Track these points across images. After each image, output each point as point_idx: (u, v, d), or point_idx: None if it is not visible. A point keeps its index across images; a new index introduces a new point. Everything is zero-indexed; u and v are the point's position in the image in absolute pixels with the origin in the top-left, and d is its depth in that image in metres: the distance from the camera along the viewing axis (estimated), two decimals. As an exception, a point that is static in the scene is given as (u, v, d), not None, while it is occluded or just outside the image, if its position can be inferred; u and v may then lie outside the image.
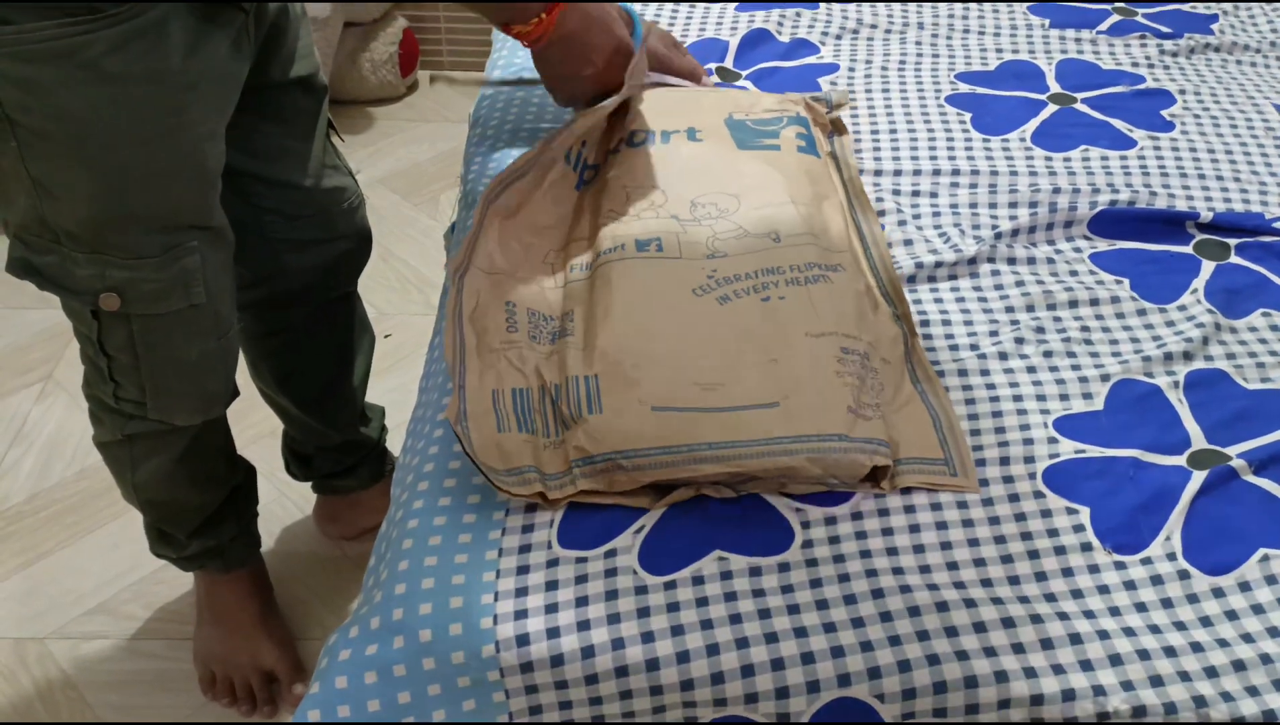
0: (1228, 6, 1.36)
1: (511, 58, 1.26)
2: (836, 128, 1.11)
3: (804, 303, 0.86)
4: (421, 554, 0.77)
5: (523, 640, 0.72)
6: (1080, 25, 1.32)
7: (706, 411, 0.79)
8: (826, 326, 0.84)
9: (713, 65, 1.24)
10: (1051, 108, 1.17)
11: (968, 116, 1.16)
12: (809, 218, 0.94)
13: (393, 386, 1.69)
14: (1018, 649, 0.71)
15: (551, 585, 0.74)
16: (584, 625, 0.72)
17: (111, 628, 1.43)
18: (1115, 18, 1.33)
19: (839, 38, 1.29)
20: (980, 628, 0.72)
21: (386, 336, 1.80)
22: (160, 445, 1.17)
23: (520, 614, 0.73)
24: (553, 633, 0.72)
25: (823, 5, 1.34)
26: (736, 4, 1.35)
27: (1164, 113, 1.17)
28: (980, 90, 1.20)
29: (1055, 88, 1.21)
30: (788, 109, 1.09)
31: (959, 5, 1.35)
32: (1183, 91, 1.20)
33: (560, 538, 0.77)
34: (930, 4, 1.35)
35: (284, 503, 1.57)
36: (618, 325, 0.84)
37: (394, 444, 1.54)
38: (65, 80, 0.87)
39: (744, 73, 1.23)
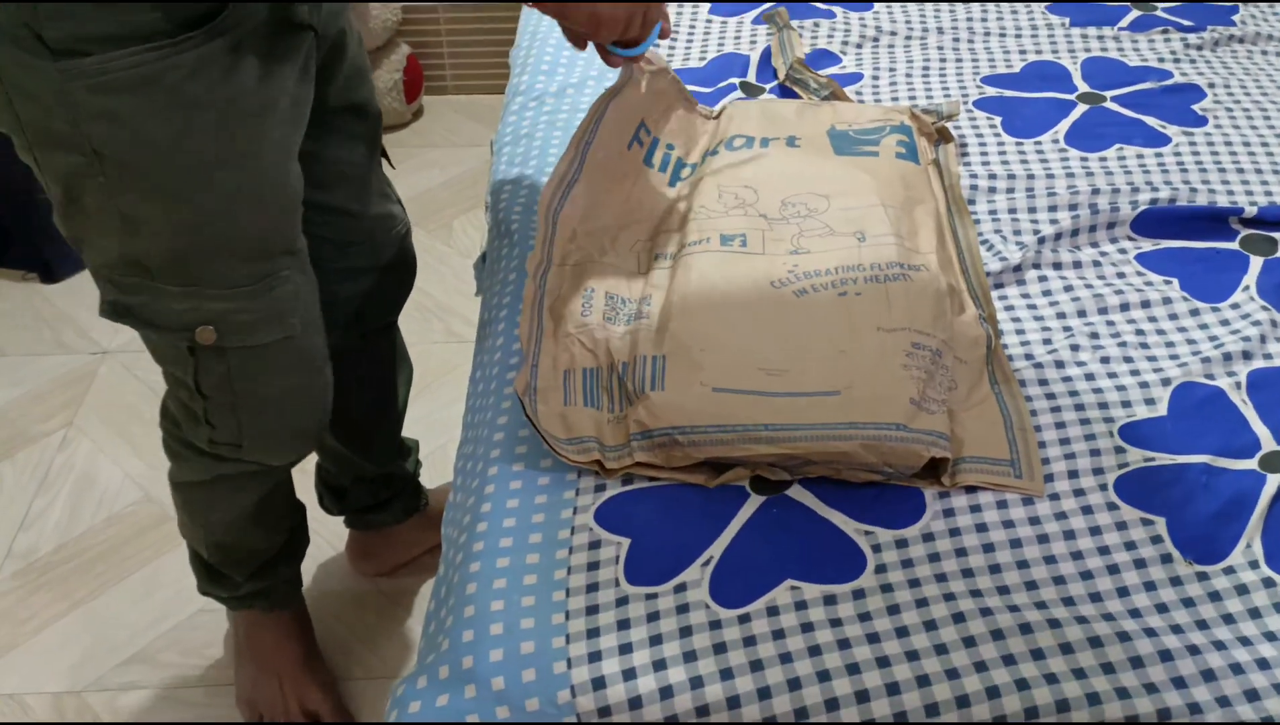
0: (1247, -5, 1.35)
1: (533, 83, 1.25)
2: (942, 136, 1.10)
3: (880, 299, 0.87)
4: (487, 598, 0.75)
5: (598, 684, 0.70)
6: (1100, 22, 1.31)
7: (766, 395, 0.81)
8: (899, 322, 0.85)
9: (735, 80, 1.23)
10: (1082, 107, 1.16)
11: (998, 120, 1.15)
12: (897, 220, 0.95)
13: (416, 417, 1.67)
14: (1107, 669, 0.69)
15: (624, 624, 0.73)
16: (660, 665, 0.70)
17: (150, 676, 1.41)
18: (1135, 13, 1.32)
19: (859, 46, 1.28)
20: (1067, 649, 0.70)
21: (407, 366, 1.78)
22: (245, 487, 1.16)
23: (594, 656, 0.71)
24: (629, 674, 0.70)
25: (840, 14, 1.33)
26: (754, 17, 1.34)
27: (1195, 107, 1.16)
28: (1008, 93, 1.19)
29: (1083, 87, 1.19)
30: (891, 119, 1.08)
31: (976, 7, 1.34)
32: (1212, 85, 1.19)
33: (627, 573, 0.76)
34: (948, 7, 1.34)
35: (315, 539, 1.55)
36: (693, 311, 0.87)
37: (423, 477, 1.53)
38: (147, 108, 0.86)
39: (767, 86, 1.22)
